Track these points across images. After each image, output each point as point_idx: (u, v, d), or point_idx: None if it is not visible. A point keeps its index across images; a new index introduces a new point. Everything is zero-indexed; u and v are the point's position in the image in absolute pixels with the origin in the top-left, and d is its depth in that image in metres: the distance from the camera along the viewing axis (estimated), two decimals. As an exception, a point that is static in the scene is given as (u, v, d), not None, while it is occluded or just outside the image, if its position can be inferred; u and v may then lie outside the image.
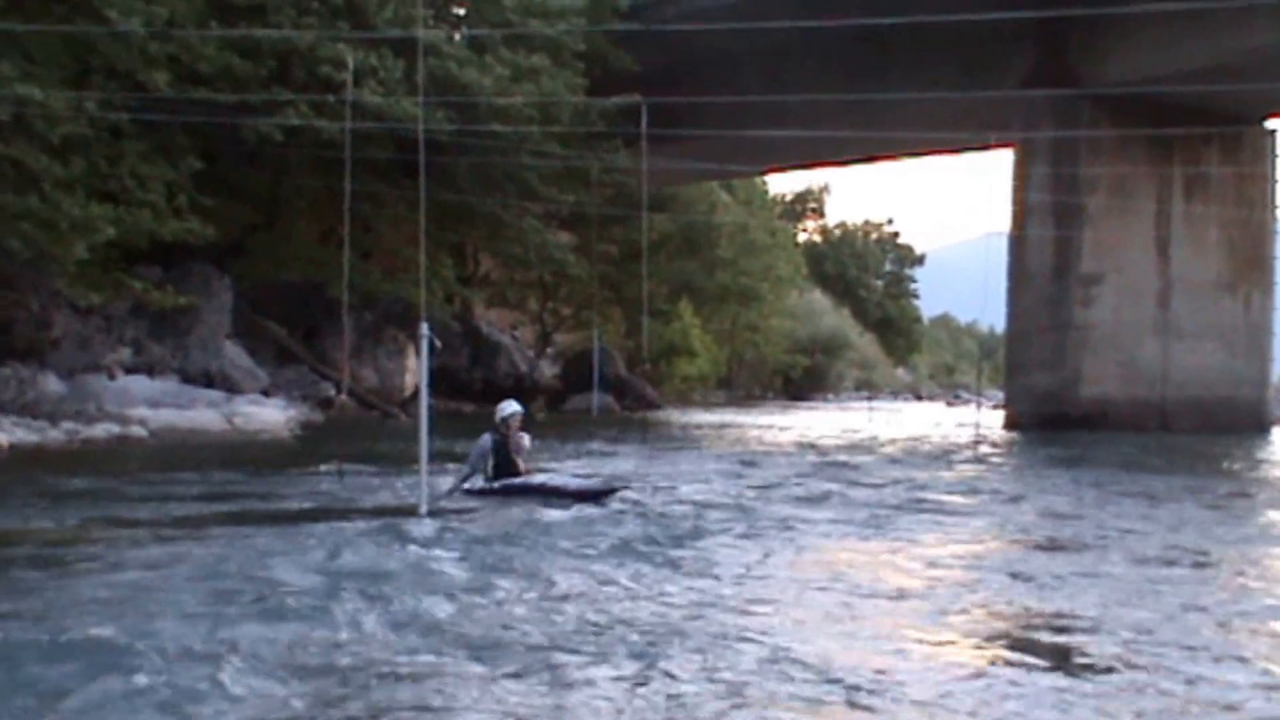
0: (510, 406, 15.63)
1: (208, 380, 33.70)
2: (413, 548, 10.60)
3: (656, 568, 10.11)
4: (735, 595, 8.93)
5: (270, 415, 31.58)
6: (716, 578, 9.66)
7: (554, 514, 13.38)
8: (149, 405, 29.37)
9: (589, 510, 13.80)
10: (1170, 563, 10.91)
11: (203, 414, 30.00)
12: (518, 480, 15.12)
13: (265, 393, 34.99)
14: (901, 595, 9.09)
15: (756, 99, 39.32)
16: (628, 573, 9.79)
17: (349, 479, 16.98)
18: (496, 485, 15.02)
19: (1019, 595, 9.22)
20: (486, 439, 15.26)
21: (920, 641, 7.53)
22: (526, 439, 15.65)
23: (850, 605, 8.61)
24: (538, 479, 15.37)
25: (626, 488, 15.73)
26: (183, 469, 18.88)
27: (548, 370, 56.84)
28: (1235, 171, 42.37)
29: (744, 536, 12.05)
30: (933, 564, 10.56)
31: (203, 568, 9.43)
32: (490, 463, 15.24)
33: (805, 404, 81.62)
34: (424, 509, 12.95)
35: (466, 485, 15.28)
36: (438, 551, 10.49)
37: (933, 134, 44.94)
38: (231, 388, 33.86)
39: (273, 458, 21.92)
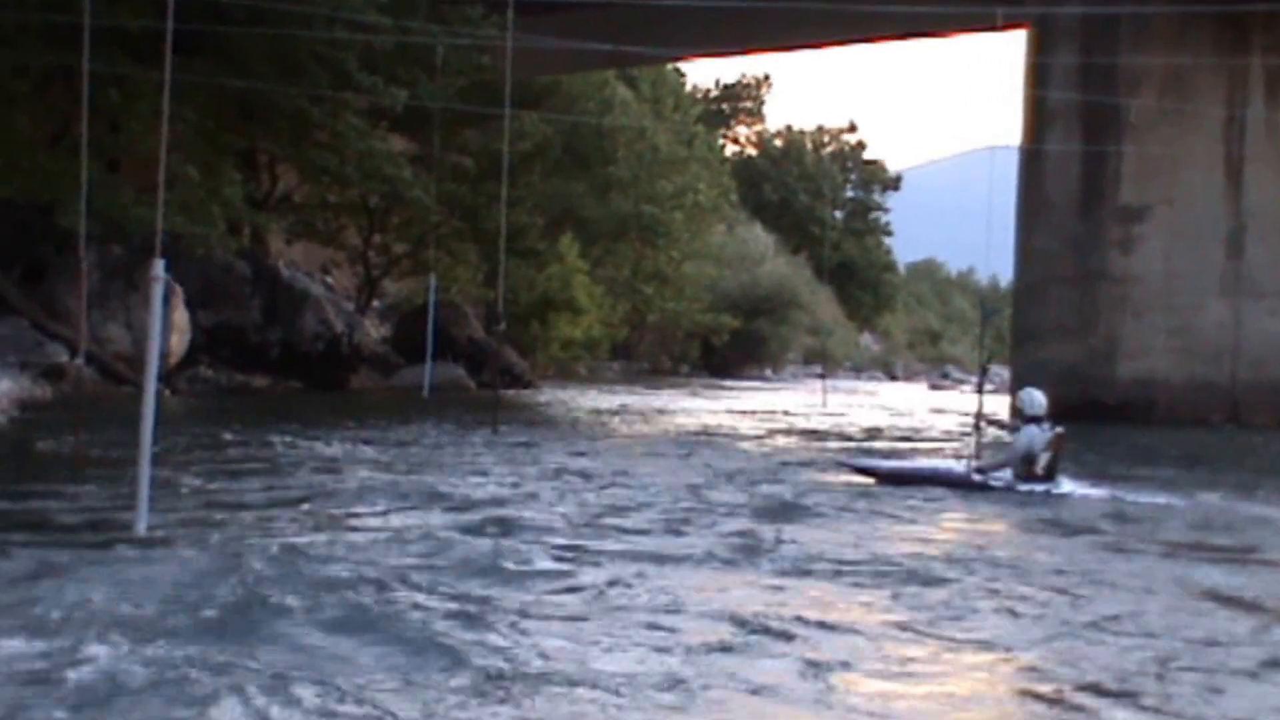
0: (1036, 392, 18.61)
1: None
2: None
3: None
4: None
5: (-31, 390, 31.03)
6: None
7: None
8: None
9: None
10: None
11: None
12: None
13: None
14: None
15: (670, -48, 39.16)
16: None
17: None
18: None
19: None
20: (1033, 431, 18.12)
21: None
22: None
23: None
24: None
25: None
26: None
27: (375, 331, 56.34)
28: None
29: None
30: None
31: None
32: (1041, 462, 18.04)
33: (734, 382, 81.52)
34: (141, 527, 12.40)
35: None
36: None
37: (916, 8, 44.93)
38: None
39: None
